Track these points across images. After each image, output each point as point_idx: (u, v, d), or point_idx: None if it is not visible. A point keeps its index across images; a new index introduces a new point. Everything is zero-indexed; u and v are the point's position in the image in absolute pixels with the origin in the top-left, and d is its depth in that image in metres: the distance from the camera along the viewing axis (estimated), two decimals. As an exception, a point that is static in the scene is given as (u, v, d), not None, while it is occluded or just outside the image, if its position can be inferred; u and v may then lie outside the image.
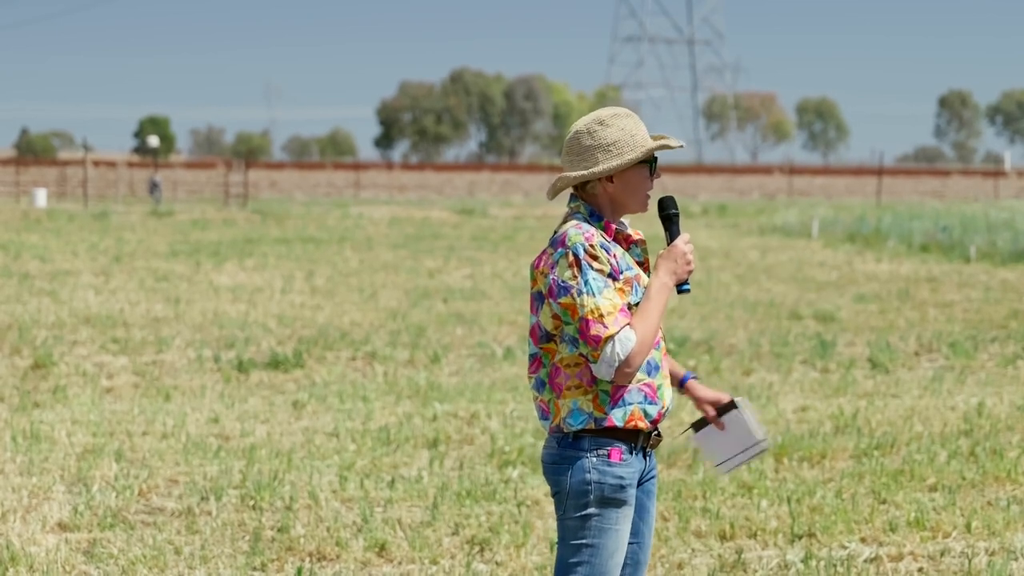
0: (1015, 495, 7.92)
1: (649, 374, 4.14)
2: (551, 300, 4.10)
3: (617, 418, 4.09)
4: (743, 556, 6.71)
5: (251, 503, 7.61)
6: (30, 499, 7.69)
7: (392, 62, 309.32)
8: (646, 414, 4.12)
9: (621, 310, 4.03)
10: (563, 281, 4.06)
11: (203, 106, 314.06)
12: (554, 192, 4.25)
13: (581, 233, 4.09)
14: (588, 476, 4.09)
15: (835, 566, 6.57)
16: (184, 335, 14.25)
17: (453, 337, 14.39)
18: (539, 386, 4.20)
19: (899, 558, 6.77)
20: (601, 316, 4.01)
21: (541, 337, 4.16)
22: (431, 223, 40.24)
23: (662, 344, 4.22)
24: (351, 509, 7.53)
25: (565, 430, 4.12)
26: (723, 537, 7.08)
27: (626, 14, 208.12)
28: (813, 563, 6.60)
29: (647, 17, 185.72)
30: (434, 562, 6.66)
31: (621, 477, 4.10)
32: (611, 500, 4.11)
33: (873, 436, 9.38)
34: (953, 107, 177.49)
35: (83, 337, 14.05)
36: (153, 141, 75.25)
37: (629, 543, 4.25)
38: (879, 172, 67.71)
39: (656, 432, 4.19)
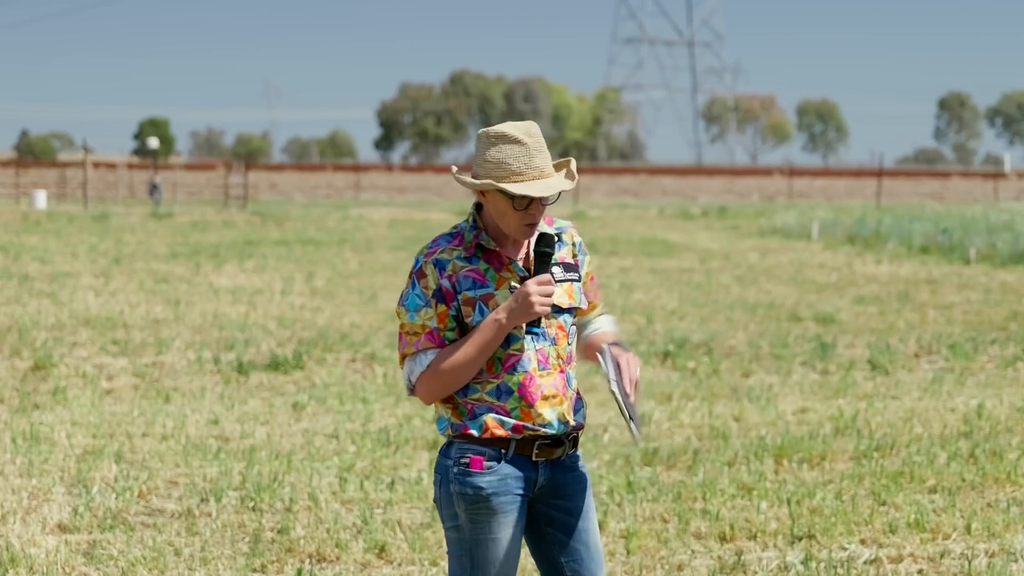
0: (1015, 497, 7.92)
1: (499, 398, 4.01)
2: None
3: (473, 429, 4.01)
4: (743, 558, 6.71)
5: (251, 505, 7.61)
6: (30, 501, 7.69)
7: (392, 63, 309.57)
8: (502, 423, 4.01)
9: (428, 332, 3.98)
10: (403, 289, 4.08)
11: (203, 108, 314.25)
12: (459, 181, 4.17)
13: (428, 247, 4.05)
14: (452, 487, 4.03)
15: (835, 568, 6.57)
16: (184, 337, 14.25)
17: (453, 339, 14.39)
18: None
19: (899, 560, 6.77)
20: (407, 333, 4.01)
21: None
22: (431, 225, 40.24)
23: (529, 368, 4.01)
24: (351, 511, 7.54)
25: (442, 437, 4.10)
26: (723, 539, 7.08)
27: (626, 16, 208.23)
28: (813, 565, 6.60)
29: (647, 19, 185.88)
30: (434, 563, 6.66)
31: (481, 487, 4.00)
32: (476, 509, 4.01)
33: (873, 438, 9.39)
34: (953, 109, 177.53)
35: (83, 339, 14.05)
36: (153, 143, 75.26)
37: (565, 562, 4.14)
38: (879, 174, 67.72)
39: (547, 442, 4.06)
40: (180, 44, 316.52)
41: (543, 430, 4.04)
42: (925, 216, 37.98)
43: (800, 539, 7.05)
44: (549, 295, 3.99)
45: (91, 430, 9.54)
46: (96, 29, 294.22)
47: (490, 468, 4.01)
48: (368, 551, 6.80)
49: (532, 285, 3.96)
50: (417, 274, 4.01)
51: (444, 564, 6.63)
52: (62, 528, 7.21)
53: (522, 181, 3.97)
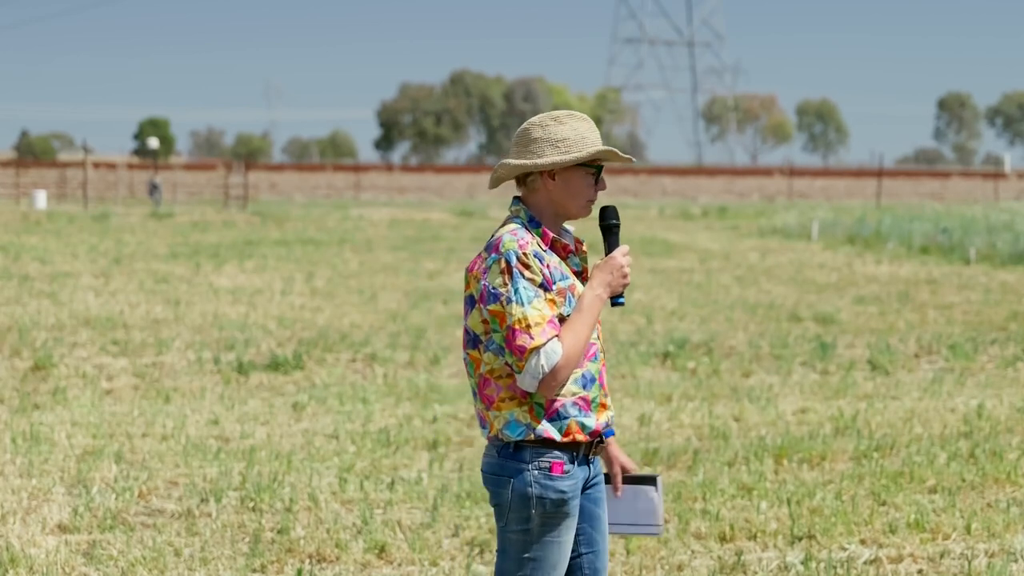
0: (1015, 497, 7.92)
1: (585, 387, 4.03)
2: (481, 305, 4.01)
3: (554, 432, 3.99)
4: (743, 558, 6.71)
5: (251, 505, 7.61)
6: (30, 501, 7.69)
7: (392, 63, 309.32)
8: (583, 427, 4.02)
9: (550, 321, 3.94)
10: (493, 287, 3.97)
11: (203, 108, 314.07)
12: (495, 181, 4.15)
13: (516, 240, 3.99)
14: (530, 490, 3.99)
15: (835, 568, 6.57)
16: (184, 337, 14.25)
17: (453, 339, 14.38)
18: (472, 395, 4.13)
19: (899, 560, 6.77)
20: (528, 326, 3.91)
21: (468, 342, 4.08)
22: (431, 225, 40.26)
23: (600, 356, 4.11)
24: (351, 511, 7.53)
25: (504, 440, 4.02)
26: (723, 539, 7.07)
27: (626, 16, 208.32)
28: (813, 565, 6.60)
29: (647, 19, 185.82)
30: (434, 564, 6.66)
31: (563, 491, 3.99)
32: (554, 514, 4.01)
33: (873, 438, 9.38)
34: (953, 109, 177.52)
35: (83, 339, 14.05)
36: (153, 143, 75.33)
37: (585, 553, 4.17)
38: (879, 174, 67.75)
39: (599, 440, 4.10)
40: (180, 44, 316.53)
41: (611, 421, 4.11)
42: (925, 216, 37.98)
43: (800, 539, 7.05)
44: (630, 263, 4.13)
45: (91, 430, 9.54)
46: (96, 29, 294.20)
47: (568, 472, 4.02)
48: (368, 551, 6.80)
49: (618, 256, 4.09)
50: (518, 266, 3.96)
51: (444, 564, 6.63)
52: (62, 528, 7.21)
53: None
